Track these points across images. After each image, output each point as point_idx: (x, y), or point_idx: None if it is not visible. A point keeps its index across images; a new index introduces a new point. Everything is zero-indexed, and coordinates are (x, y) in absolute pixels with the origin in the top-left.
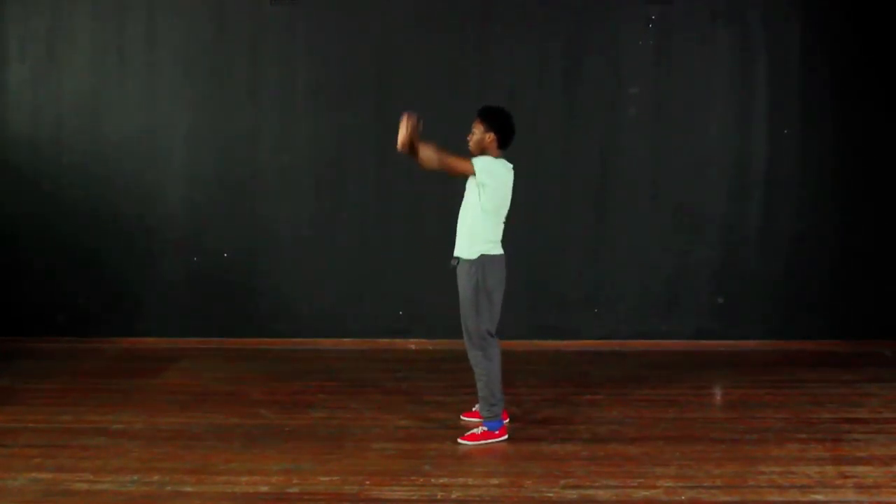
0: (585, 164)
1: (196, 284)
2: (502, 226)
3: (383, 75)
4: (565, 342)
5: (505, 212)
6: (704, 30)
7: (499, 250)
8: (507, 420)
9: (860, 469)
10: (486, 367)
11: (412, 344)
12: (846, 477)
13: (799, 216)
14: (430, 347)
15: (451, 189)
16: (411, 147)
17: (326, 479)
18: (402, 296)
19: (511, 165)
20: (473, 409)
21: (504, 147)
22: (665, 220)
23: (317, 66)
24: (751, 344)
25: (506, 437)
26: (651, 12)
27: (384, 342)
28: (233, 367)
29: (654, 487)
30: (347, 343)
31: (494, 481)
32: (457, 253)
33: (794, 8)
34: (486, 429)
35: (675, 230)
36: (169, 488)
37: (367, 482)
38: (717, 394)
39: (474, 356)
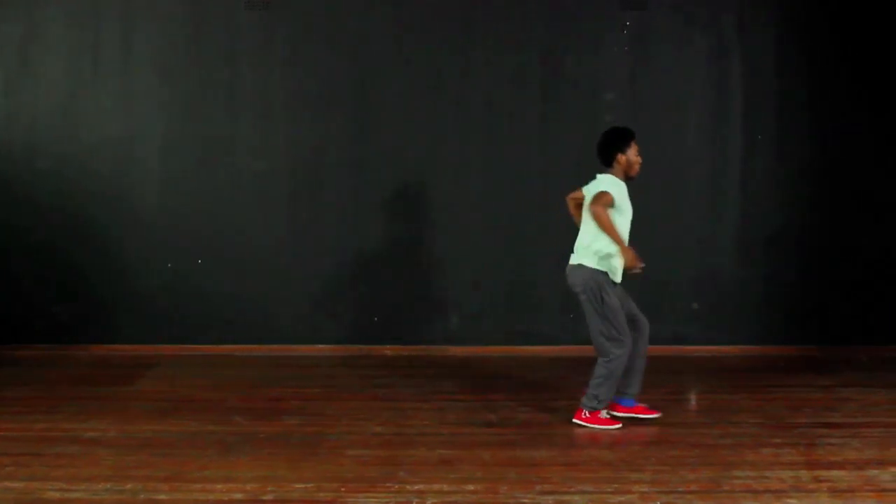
0: (563, 169)
1: (171, 291)
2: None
3: (360, 81)
4: (542, 348)
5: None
6: (680, 35)
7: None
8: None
9: (834, 473)
10: None
11: (388, 350)
12: (820, 481)
13: (775, 221)
14: (406, 354)
15: (429, 196)
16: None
17: (301, 485)
18: (377, 302)
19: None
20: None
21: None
22: (641, 225)
23: (293, 72)
24: (726, 349)
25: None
26: (626, 18)
27: (360, 348)
28: (208, 374)
29: (630, 493)
30: (323, 349)
31: (470, 487)
32: None
33: (769, 14)
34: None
35: (651, 236)
36: (143, 496)
37: (343, 489)
38: (693, 399)
39: None
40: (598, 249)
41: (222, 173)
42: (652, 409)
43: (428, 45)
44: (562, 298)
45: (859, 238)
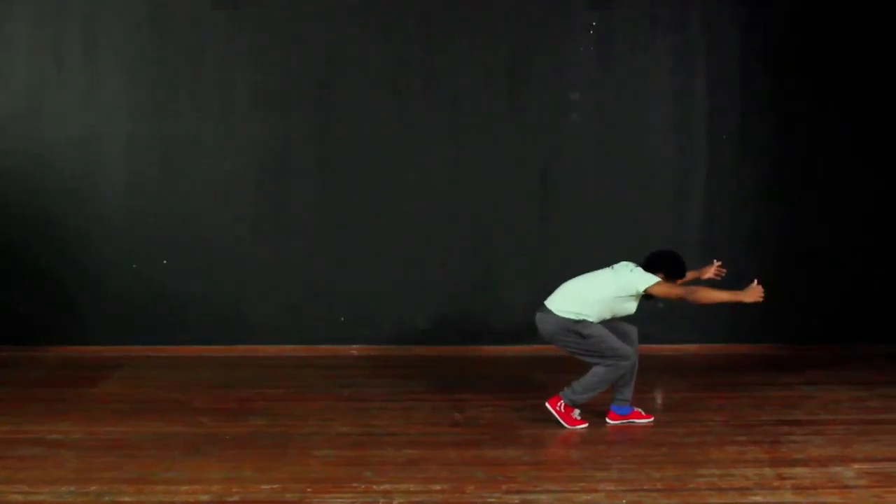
0: (529, 169)
1: (136, 292)
2: None
3: (326, 80)
4: (508, 347)
5: None
6: (645, 35)
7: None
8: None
9: (798, 470)
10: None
11: (354, 350)
12: (784, 478)
13: (738, 221)
14: (373, 354)
15: (395, 195)
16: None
17: (268, 486)
18: (344, 302)
19: None
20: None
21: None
22: (607, 224)
23: (259, 71)
24: (690, 348)
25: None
26: (592, 18)
27: (326, 349)
28: (173, 376)
29: (596, 491)
30: (289, 350)
31: (437, 487)
32: None
33: (734, 14)
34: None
35: (617, 234)
36: (107, 498)
37: (309, 489)
38: (658, 398)
39: None
40: (578, 311)
41: (188, 173)
42: (647, 413)
43: (394, 44)
44: (528, 297)
45: (821, 236)
